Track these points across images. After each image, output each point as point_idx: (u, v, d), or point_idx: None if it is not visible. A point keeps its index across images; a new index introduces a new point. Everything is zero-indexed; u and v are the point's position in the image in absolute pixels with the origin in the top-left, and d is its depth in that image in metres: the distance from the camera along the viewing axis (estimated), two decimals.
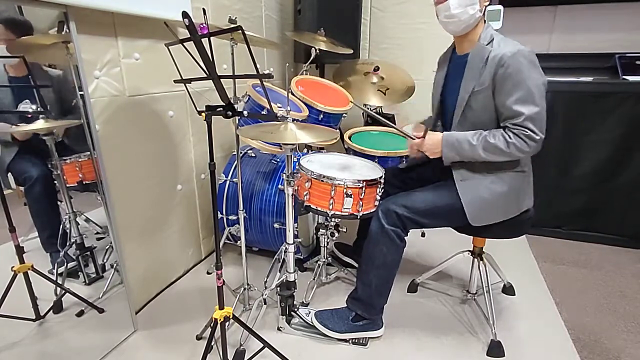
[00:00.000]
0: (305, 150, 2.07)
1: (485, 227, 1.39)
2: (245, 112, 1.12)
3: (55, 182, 1.37)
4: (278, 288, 1.52)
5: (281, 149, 1.68)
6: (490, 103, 1.31)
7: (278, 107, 1.61)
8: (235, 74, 1.24)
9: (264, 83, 1.12)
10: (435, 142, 1.37)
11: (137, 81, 1.54)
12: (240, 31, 0.98)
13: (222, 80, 1.08)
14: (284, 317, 1.55)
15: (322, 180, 1.36)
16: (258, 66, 1.03)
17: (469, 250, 1.69)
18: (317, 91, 2.00)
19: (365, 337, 1.51)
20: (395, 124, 2.57)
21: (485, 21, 1.35)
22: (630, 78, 2.22)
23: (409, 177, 1.61)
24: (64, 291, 1.41)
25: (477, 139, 1.31)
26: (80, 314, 1.44)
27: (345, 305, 1.54)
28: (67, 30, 1.21)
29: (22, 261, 1.27)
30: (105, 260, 1.54)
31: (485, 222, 1.37)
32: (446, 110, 1.49)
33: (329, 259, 1.90)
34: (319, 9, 2.42)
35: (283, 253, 1.60)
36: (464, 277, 1.95)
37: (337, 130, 1.70)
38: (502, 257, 1.94)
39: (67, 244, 1.45)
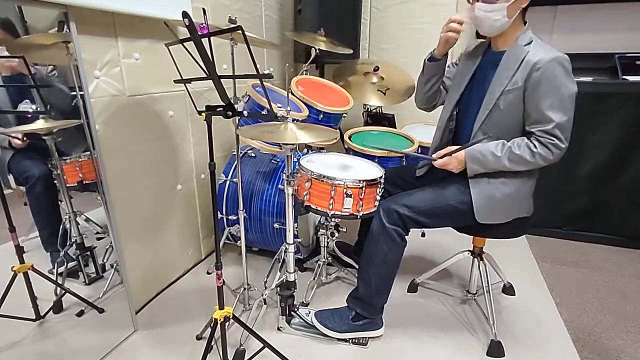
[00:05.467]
0: (305, 150, 2.07)
1: (486, 227, 1.39)
2: (245, 112, 1.12)
3: (56, 182, 1.37)
4: (278, 288, 1.52)
5: (281, 149, 1.68)
6: (520, 105, 1.30)
7: (278, 107, 1.61)
8: (235, 74, 1.24)
9: (264, 83, 1.12)
10: (459, 158, 1.36)
11: (137, 81, 1.54)
12: (240, 31, 0.98)
13: (222, 80, 1.08)
14: (284, 317, 1.55)
15: (322, 180, 1.36)
16: (258, 66, 1.04)
17: (469, 250, 1.69)
18: (317, 91, 2.00)
19: (365, 337, 1.51)
20: (395, 125, 2.58)
21: (525, 23, 1.34)
22: (631, 78, 2.22)
23: (410, 177, 1.61)
24: (64, 291, 1.40)
25: (502, 150, 1.30)
26: (80, 314, 1.44)
27: (346, 305, 1.54)
28: (67, 30, 1.21)
29: (22, 261, 1.27)
30: (105, 260, 1.54)
31: (490, 220, 1.37)
32: (469, 105, 1.44)
33: (329, 259, 1.90)
34: (319, 9, 2.42)
35: (283, 253, 1.60)
36: (464, 277, 1.95)
37: (337, 130, 1.70)
38: (502, 257, 1.94)
39: (67, 243, 1.44)
